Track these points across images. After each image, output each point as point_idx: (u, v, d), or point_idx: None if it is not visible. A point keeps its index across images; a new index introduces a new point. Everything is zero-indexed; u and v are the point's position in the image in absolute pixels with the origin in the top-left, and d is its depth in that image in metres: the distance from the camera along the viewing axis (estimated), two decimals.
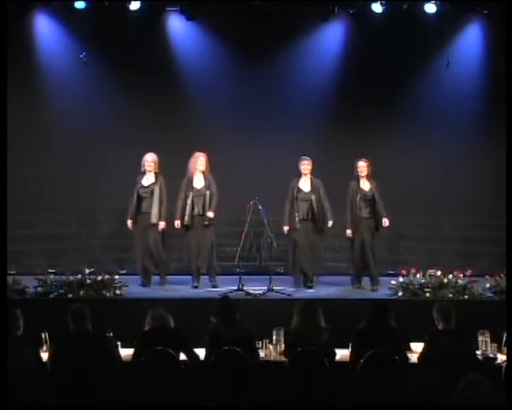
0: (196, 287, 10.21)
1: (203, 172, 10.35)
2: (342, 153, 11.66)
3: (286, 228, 10.30)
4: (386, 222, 10.28)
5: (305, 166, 10.30)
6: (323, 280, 10.57)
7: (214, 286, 10.20)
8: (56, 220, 11.91)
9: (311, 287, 10.18)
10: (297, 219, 10.21)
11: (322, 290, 10.10)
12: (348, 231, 10.32)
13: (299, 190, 10.30)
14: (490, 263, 10.93)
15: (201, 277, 10.34)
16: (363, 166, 10.29)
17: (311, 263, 10.28)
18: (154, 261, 10.31)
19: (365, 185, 10.33)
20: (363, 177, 10.33)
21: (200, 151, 10.43)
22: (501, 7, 10.39)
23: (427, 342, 6.76)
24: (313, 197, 10.24)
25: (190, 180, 10.32)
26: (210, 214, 10.22)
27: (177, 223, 10.28)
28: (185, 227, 10.30)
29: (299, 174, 10.38)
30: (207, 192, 10.26)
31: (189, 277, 10.40)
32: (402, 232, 11.98)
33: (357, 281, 10.30)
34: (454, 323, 6.82)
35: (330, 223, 10.28)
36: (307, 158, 10.36)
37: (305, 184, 10.34)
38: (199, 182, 10.33)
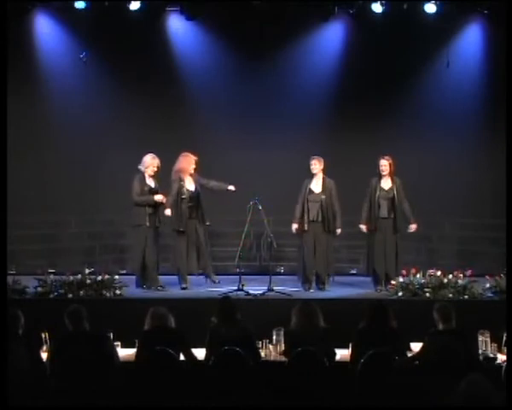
0: (186, 288, 10.14)
1: (191, 174, 10.32)
2: (342, 152, 11.67)
3: (294, 226, 10.19)
4: (411, 228, 10.20)
5: (313, 165, 10.18)
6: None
7: (215, 282, 10.14)
8: (56, 220, 11.92)
9: (322, 289, 10.11)
10: (306, 220, 10.14)
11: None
12: (362, 227, 10.25)
13: (310, 191, 10.20)
14: (490, 263, 10.94)
15: (189, 277, 10.28)
16: (384, 165, 10.16)
17: (322, 265, 10.17)
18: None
19: (386, 184, 10.21)
20: (384, 175, 10.22)
21: (187, 151, 10.33)
22: (501, 7, 10.39)
23: (427, 342, 6.76)
24: (323, 198, 10.15)
25: (183, 182, 10.24)
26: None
27: (168, 211, 10.12)
28: (178, 231, 10.19)
29: (311, 174, 10.28)
30: (199, 194, 10.23)
31: (193, 277, 10.38)
32: (402, 232, 11.97)
33: (379, 283, 10.18)
34: (454, 323, 6.81)
35: (339, 231, 10.17)
36: (315, 157, 10.24)
37: (316, 185, 10.23)
38: (190, 184, 10.26)
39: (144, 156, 10.17)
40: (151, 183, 10.18)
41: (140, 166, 10.17)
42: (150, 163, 10.13)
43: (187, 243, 10.22)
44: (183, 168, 10.25)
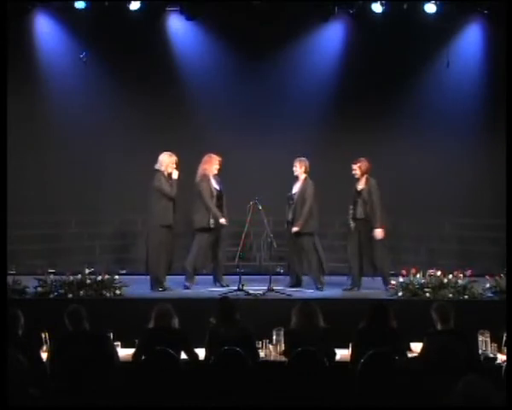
0: (188, 288, 10.14)
1: (215, 175, 10.35)
2: (342, 152, 11.66)
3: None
4: (376, 233, 10.00)
5: (293, 168, 10.32)
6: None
7: (225, 286, 10.11)
8: (56, 220, 11.92)
9: (320, 289, 10.08)
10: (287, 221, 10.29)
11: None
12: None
13: (292, 193, 10.32)
14: (490, 263, 10.94)
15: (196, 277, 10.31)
16: (354, 170, 10.21)
17: (297, 265, 10.25)
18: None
19: (360, 185, 10.22)
20: (357, 178, 10.24)
21: (212, 152, 10.37)
22: (501, 7, 10.40)
23: (425, 342, 6.75)
24: (297, 199, 10.23)
25: (210, 182, 10.27)
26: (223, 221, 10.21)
27: (223, 220, 10.19)
28: (203, 229, 10.24)
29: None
30: (223, 194, 10.29)
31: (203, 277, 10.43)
32: (402, 232, 11.98)
33: (352, 282, 10.19)
34: (452, 323, 6.80)
35: (294, 229, 10.14)
36: (296, 160, 10.31)
37: (295, 186, 10.33)
38: (216, 184, 10.32)
39: (160, 156, 10.10)
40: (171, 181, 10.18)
41: (158, 166, 10.08)
42: (169, 161, 10.09)
43: (209, 243, 10.26)
44: (207, 168, 10.28)
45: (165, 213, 9.95)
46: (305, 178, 10.30)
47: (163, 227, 9.95)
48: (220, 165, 10.32)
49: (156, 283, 9.98)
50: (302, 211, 10.16)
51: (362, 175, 10.20)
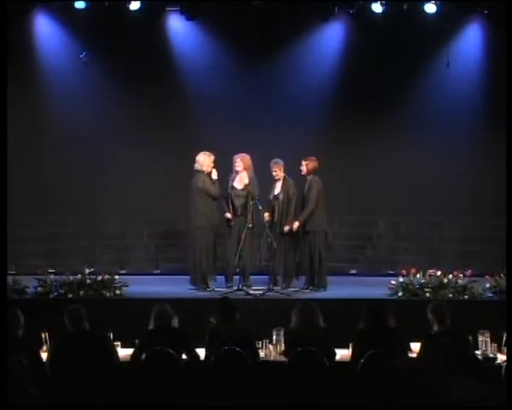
0: (231, 287, 10.05)
1: (246, 172, 10.34)
2: (342, 152, 11.68)
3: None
4: (293, 224, 10.12)
5: (274, 172, 10.31)
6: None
7: (248, 286, 10.00)
8: (56, 220, 11.92)
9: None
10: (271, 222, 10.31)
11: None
12: None
13: (273, 194, 10.33)
14: (490, 263, 10.94)
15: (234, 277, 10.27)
16: (301, 166, 10.24)
17: (281, 265, 10.24)
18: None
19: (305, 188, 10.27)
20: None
21: (242, 152, 10.43)
22: (501, 7, 10.41)
23: (424, 344, 6.74)
24: (280, 199, 10.24)
25: (232, 180, 10.35)
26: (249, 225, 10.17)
27: (229, 215, 10.26)
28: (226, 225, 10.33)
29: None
30: (248, 193, 10.25)
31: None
32: (402, 232, 11.99)
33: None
34: (449, 323, 6.79)
35: (296, 224, 10.11)
36: (275, 164, 10.30)
37: (277, 187, 10.33)
38: (240, 183, 10.34)
39: (198, 156, 10.18)
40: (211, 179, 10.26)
41: (198, 167, 10.15)
42: (209, 161, 10.18)
43: (233, 241, 10.24)
44: (233, 169, 10.38)
45: (211, 213, 10.11)
46: (285, 178, 10.32)
47: (210, 227, 10.08)
48: (245, 163, 10.33)
49: (203, 282, 10.05)
50: (290, 211, 10.17)
51: (308, 173, 10.19)
